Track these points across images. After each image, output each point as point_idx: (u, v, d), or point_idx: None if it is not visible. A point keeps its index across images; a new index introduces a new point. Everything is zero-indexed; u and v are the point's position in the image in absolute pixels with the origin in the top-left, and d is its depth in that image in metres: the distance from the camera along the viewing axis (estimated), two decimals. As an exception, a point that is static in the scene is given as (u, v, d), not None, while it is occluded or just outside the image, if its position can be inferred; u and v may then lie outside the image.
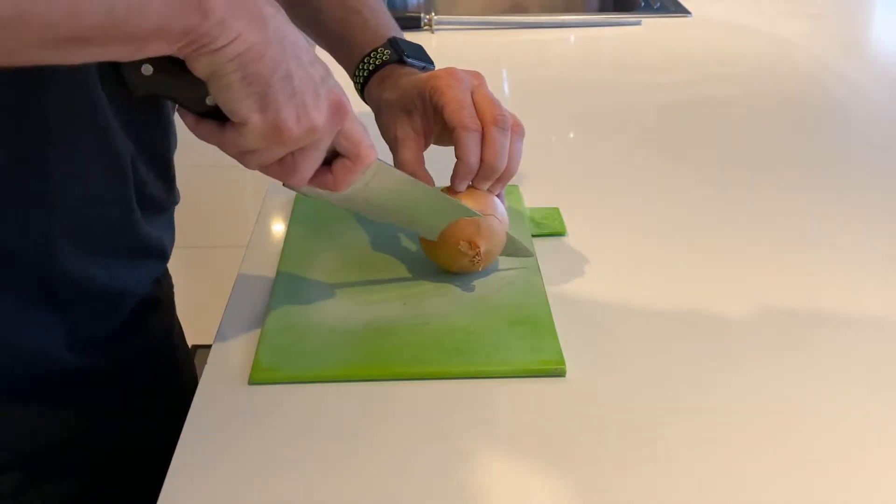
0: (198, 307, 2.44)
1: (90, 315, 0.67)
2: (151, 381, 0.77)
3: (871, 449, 0.57)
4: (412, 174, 0.70)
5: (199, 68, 0.52)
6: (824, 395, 0.62)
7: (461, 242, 0.68)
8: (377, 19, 0.82)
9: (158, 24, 0.49)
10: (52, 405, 0.68)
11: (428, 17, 1.44)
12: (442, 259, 0.72)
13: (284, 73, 0.53)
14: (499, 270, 0.74)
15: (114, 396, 0.72)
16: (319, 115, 0.56)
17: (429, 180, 0.71)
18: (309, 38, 0.70)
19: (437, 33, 1.42)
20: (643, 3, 1.66)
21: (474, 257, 0.68)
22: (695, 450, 0.57)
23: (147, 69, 0.54)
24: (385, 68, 0.78)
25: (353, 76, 0.80)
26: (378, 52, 0.78)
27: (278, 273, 0.73)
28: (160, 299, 0.78)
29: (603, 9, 1.87)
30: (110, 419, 0.72)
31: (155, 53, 0.50)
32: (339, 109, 0.57)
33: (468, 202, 0.69)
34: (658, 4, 1.61)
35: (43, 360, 0.65)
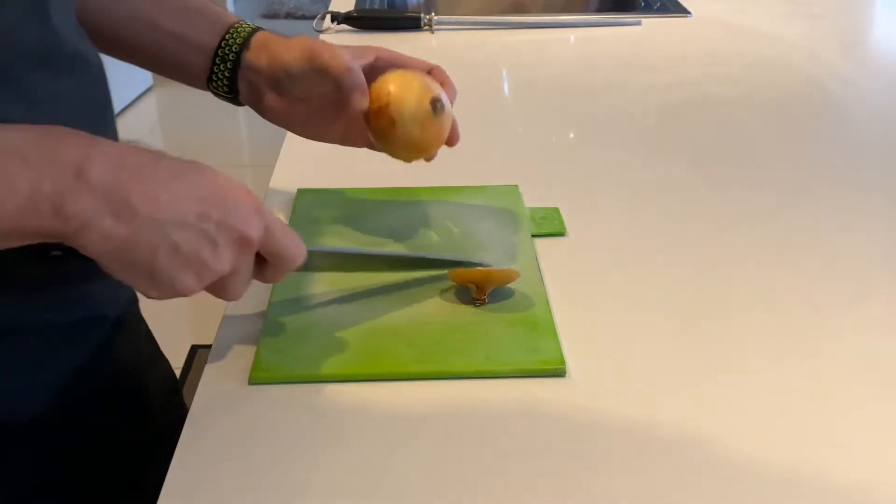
0: (198, 307, 2.45)
1: (43, 351, 0.66)
2: (120, 411, 0.76)
3: (879, 447, 0.57)
4: (346, 66, 0.69)
5: (84, 253, 0.52)
6: (828, 396, 0.62)
7: (470, 285, 0.68)
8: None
9: (14, 228, 0.50)
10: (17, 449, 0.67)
11: (428, 17, 1.43)
12: (387, 143, 0.71)
13: (169, 249, 0.53)
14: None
15: (80, 431, 0.71)
16: (222, 263, 0.55)
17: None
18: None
19: (437, 33, 1.42)
20: (643, 3, 1.66)
21: (478, 300, 0.68)
22: (695, 450, 0.57)
23: (56, 252, 0.55)
24: (262, 33, 0.76)
25: (225, 37, 0.76)
26: (250, 24, 0.77)
27: (278, 273, 0.73)
28: (125, 320, 0.77)
29: (603, 9, 1.87)
30: (85, 455, 0.72)
31: (19, 244, 0.51)
32: (244, 244, 0.56)
33: (433, 83, 0.71)
34: (658, 4, 1.61)
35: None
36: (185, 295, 0.55)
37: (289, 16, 4.84)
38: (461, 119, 0.78)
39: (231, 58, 0.75)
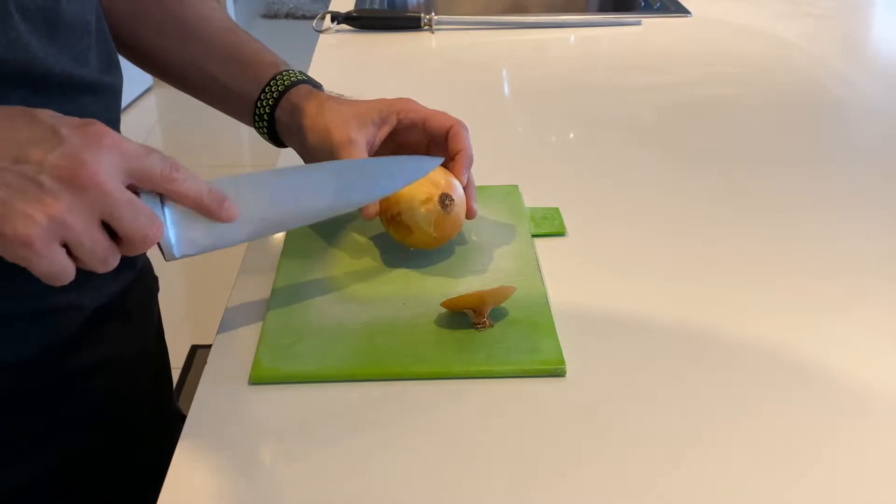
0: (198, 307, 2.45)
1: (35, 331, 0.67)
2: (119, 408, 0.77)
3: (873, 447, 0.57)
4: None
5: None
6: (826, 394, 0.62)
7: (468, 311, 0.67)
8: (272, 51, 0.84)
9: None
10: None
11: (428, 17, 1.43)
12: (402, 234, 0.73)
13: None
14: (498, 270, 0.74)
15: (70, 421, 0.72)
16: (51, 201, 0.50)
17: None
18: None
19: (437, 33, 1.42)
20: (643, 3, 1.66)
21: (478, 324, 0.66)
22: (695, 449, 0.57)
23: None
24: (306, 84, 0.79)
25: (269, 84, 0.79)
26: (294, 72, 0.80)
27: (278, 273, 0.73)
28: (128, 310, 0.77)
29: (603, 9, 1.87)
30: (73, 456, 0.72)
31: None
32: (75, 180, 0.50)
33: (440, 175, 0.72)
34: (658, 4, 1.61)
35: None
36: (24, 246, 0.49)
37: (289, 16, 4.84)
38: (462, 118, 0.78)
39: (266, 116, 0.79)
